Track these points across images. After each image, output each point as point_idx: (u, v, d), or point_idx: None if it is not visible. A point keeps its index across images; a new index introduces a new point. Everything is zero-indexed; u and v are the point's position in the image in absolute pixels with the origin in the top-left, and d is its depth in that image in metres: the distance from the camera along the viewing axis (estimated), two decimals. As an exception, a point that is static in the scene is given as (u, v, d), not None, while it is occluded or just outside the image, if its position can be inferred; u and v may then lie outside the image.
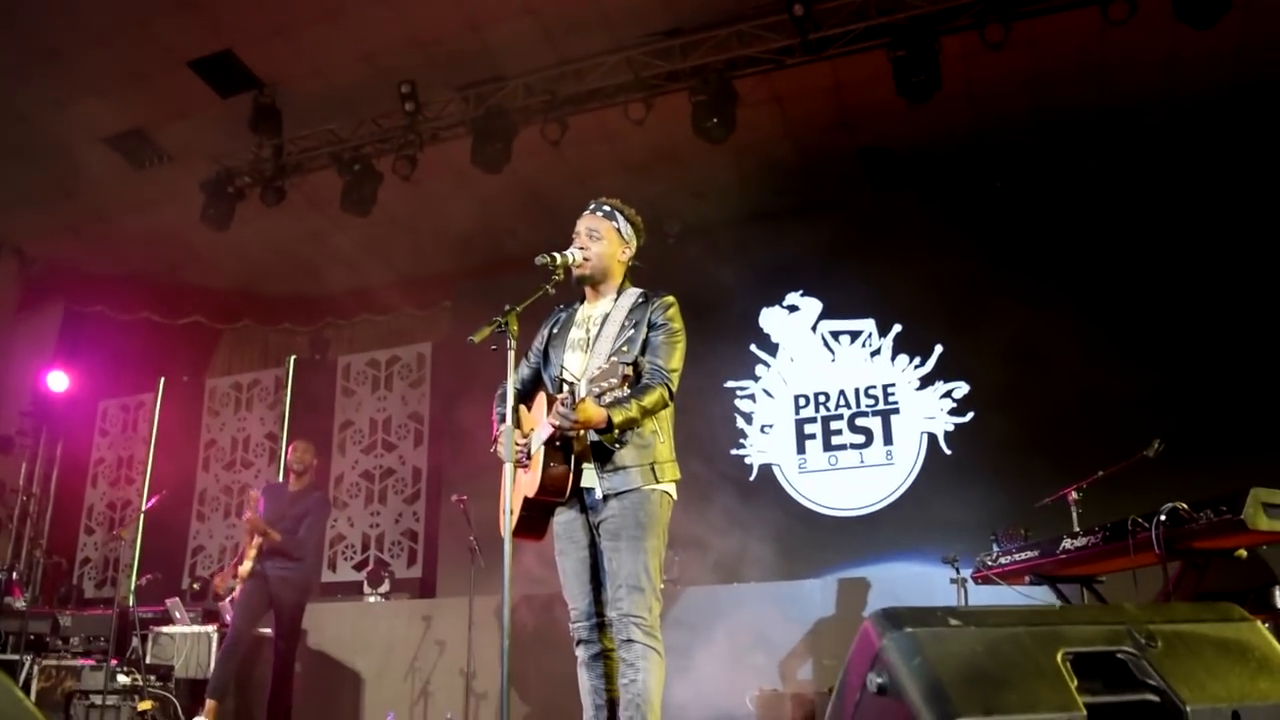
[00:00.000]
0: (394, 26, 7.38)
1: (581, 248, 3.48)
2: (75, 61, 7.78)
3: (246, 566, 6.41)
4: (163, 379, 11.06)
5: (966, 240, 7.85)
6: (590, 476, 3.31)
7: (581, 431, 3.22)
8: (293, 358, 10.87)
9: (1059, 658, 1.76)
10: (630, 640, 3.13)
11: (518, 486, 3.31)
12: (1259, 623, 2.08)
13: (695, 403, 7.11)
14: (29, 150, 8.78)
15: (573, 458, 3.27)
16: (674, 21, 7.34)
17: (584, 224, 3.55)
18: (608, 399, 3.05)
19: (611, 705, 3.29)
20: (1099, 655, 1.84)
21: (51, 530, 10.46)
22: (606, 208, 3.56)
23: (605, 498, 3.28)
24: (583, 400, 3.01)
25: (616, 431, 3.18)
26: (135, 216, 9.79)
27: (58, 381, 10.48)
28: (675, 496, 3.40)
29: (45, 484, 10.67)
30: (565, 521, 3.43)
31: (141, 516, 7.55)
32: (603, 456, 3.28)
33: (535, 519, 3.41)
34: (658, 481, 3.29)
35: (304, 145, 8.59)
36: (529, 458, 3.32)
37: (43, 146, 8.75)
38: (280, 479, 7.35)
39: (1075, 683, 1.74)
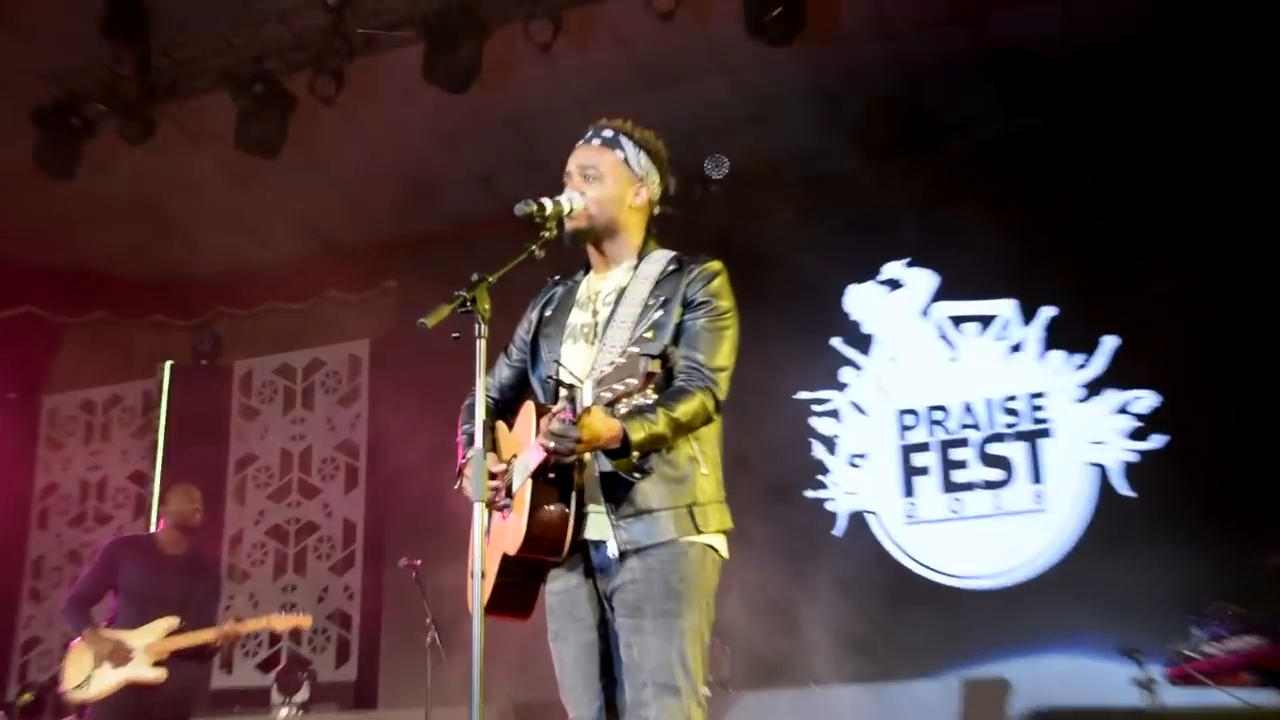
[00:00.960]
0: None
1: (579, 192, 3.45)
2: None
3: (148, 673, 6.49)
4: (-25, 397, 11.26)
5: (1149, 180, 7.96)
6: (600, 524, 3.29)
7: (587, 456, 3.19)
8: (168, 363, 11.05)
9: None
10: None
11: (494, 539, 3.30)
12: None
13: (751, 423, 7.16)
14: None
15: (574, 496, 3.23)
16: None
17: (576, 160, 3.54)
18: (624, 408, 3.02)
19: None
20: None
21: None
22: (607, 133, 3.56)
23: (622, 555, 3.24)
24: (587, 410, 2.96)
25: (636, 455, 3.14)
26: (-68, 165, 9.90)
27: None
28: (725, 554, 3.38)
29: None
30: (563, 590, 3.41)
31: None
32: (618, 495, 3.26)
33: (519, 587, 3.39)
34: (699, 531, 3.24)
35: (182, 57, 8.81)
36: (510, 497, 3.29)
37: None
38: (148, 533, 7.48)
39: None
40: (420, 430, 8.90)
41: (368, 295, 10.88)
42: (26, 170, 9.05)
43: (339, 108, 8.58)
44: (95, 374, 11.62)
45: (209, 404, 10.87)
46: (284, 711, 8.09)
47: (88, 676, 6.57)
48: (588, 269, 3.66)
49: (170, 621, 6.57)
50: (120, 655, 6.51)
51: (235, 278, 11.20)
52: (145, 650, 6.52)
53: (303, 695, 8.19)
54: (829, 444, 8.66)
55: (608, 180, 3.49)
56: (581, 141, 3.60)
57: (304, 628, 6.90)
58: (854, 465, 8.57)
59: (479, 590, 2.96)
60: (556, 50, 7.99)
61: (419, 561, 7.01)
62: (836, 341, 8.75)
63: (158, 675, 6.50)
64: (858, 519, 8.47)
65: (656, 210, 3.64)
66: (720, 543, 3.34)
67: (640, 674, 3.16)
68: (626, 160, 3.54)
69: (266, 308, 11.21)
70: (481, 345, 3.08)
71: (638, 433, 3.06)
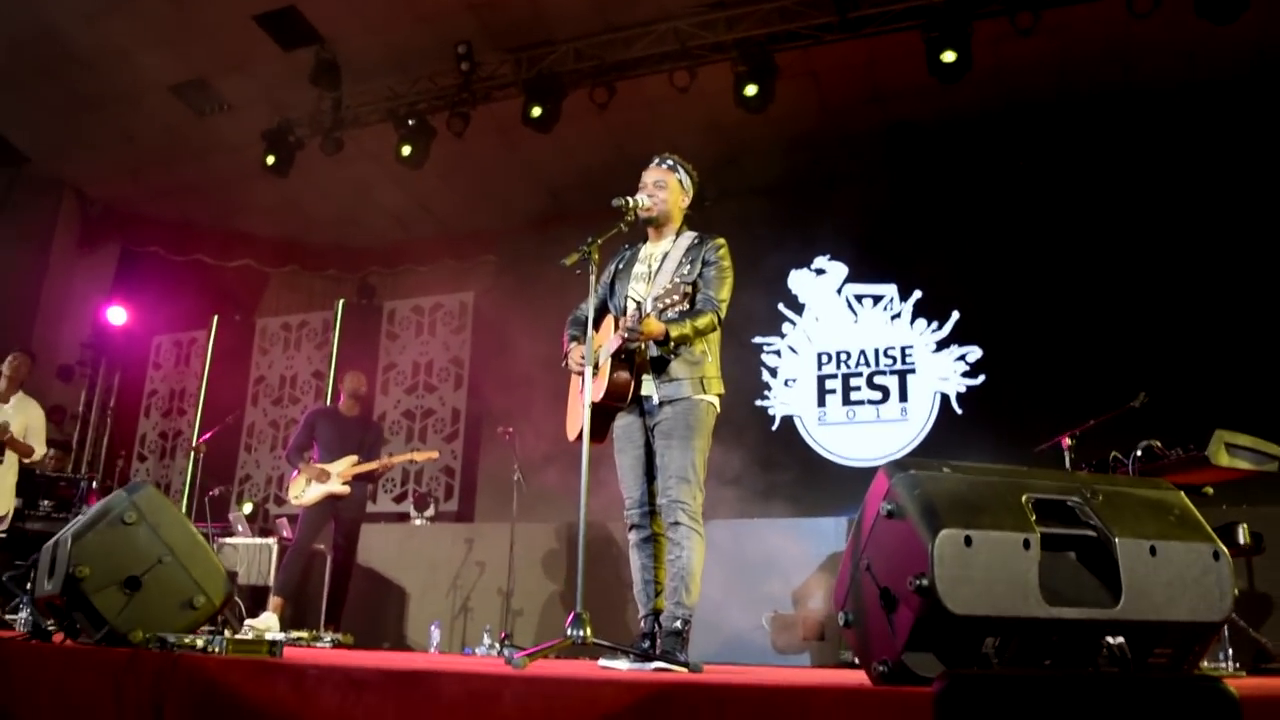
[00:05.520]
0: (451, -11, 8.04)
1: (650, 195, 4.04)
2: (143, 12, 8.51)
3: (340, 488, 7.22)
4: (216, 317, 11.97)
5: (987, 213, 8.61)
6: (649, 385, 3.90)
7: (643, 345, 3.80)
8: (341, 301, 11.66)
9: (1023, 499, 2.40)
10: (677, 523, 3.77)
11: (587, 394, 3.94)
12: (1182, 493, 2.67)
13: (723, 356, 7.70)
14: (95, 97, 9.58)
15: (635, 368, 3.87)
16: (720, -6, 7.98)
17: (651, 175, 4.10)
18: (669, 314, 3.69)
19: (658, 580, 3.94)
20: (1053, 501, 2.48)
21: (107, 456, 11.17)
22: (670, 161, 4.13)
23: (660, 404, 3.87)
24: (647, 316, 3.65)
25: (672, 344, 3.78)
26: (193, 163, 10.44)
27: (117, 315, 11.24)
28: (719, 408, 4.00)
29: (103, 413, 11.41)
30: (625, 425, 4.03)
31: (197, 450, 8.17)
32: (659, 368, 3.88)
33: (597, 424, 3.88)
34: (705, 392, 3.88)
35: (361, 100, 9.28)
36: (597, 367, 3.93)
37: (108, 94, 9.55)
38: (330, 404, 8.10)
39: (1034, 517, 2.25)
40: (504, 351, 9.48)
41: (473, 264, 11.33)
42: (249, 171, 9.63)
43: (464, 139, 8.97)
44: (291, 306, 12.18)
45: (366, 329, 11.44)
46: (419, 521, 8.64)
47: (303, 490, 7.22)
48: (644, 240, 4.21)
49: (351, 457, 7.27)
50: (322, 477, 7.22)
51: (386, 247, 11.72)
52: (337, 475, 7.23)
53: (430, 512, 8.76)
54: (773, 371, 9.13)
55: (669, 190, 4.09)
56: (653, 164, 4.16)
57: (434, 458, 7.51)
58: (787, 386, 9.05)
59: (587, 413, 3.63)
60: (609, 108, 8.44)
61: (511, 430, 7.54)
62: (781, 306, 9.23)
63: (345, 490, 7.21)
64: (788, 420, 8.99)
65: (687, 209, 4.25)
66: (716, 400, 3.99)
67: (668, 471, 3.86)
68: (681, 180, 4.17)
69: (406, 268, 11.75)
70: (592, 279, 3.72)
71: (674, 331, 3.77)
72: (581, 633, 3.28)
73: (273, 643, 2.86)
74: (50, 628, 3.50)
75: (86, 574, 3.12)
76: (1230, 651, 4.96)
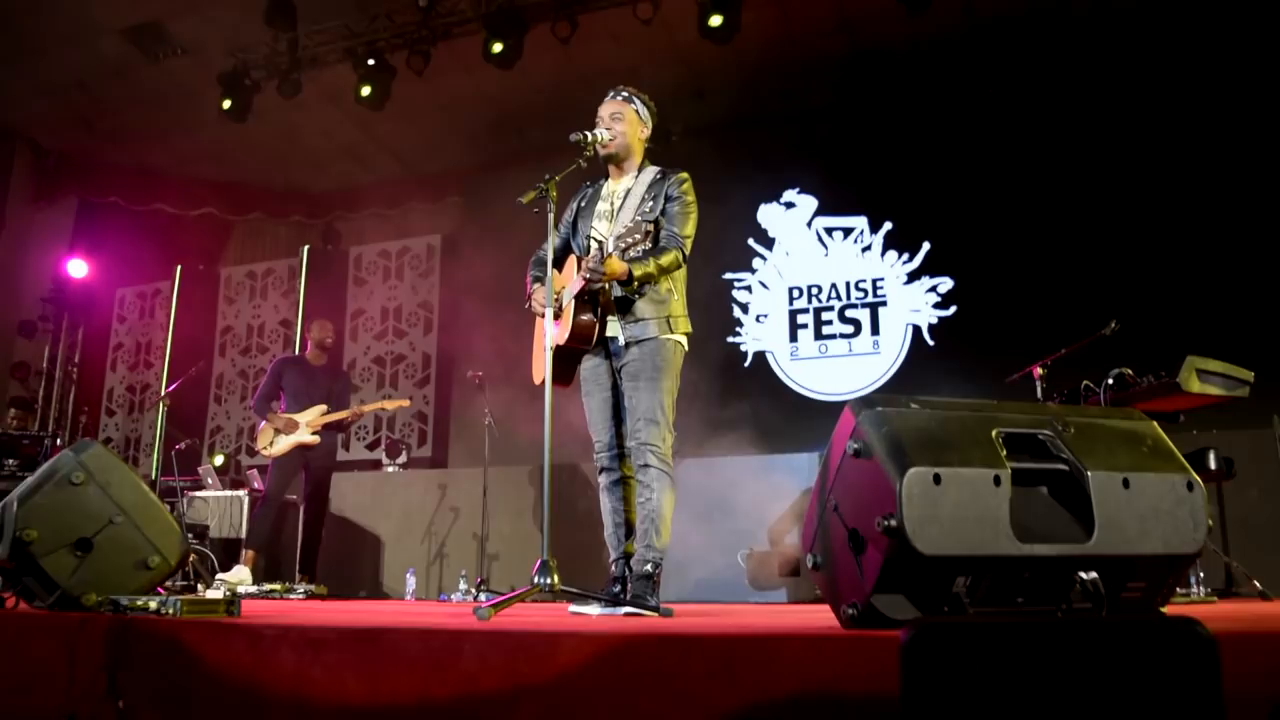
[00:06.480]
0: (407, -79, 7.78)
1: (608, 128, 3.91)
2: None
3: (309, 438, 7.10)
4: (179, 267, 11.73)
5: (957, 142, 8.53)
6: (614, 327, 3.82)
7: (607, 285, 3.70)
8: (306, 247, 11.49)
9: (993, 434, 2.33)
10: (646, 465, 3.70)
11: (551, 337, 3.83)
12: (1154, 423, 2.61)
13: (694, 293, 7.61)
14: (44, 43, 9.26)
15: (599, 309, 3.77)
16: (683, -79, 7.77)
17: (606, 109, 3.98)
18: (631, 254, 3.59)
19: (628, 523, 3.89)
20: (1024, 435, 2.42)
21: (73, 412, 11.00)
22: (625, 93, 4.01)
23: (627, 345, 3.79)
24: (610, 255, 3.54)
25: (636, 284, 3.69)
26: (149, 109, 10.15)
27: (77, 269, 11.03)
28: (687, 347, 3.91)
29: (67, 367, 11.21)
30: (591, 367, 3.95)
31: (164, 401, 7.98)
32: (625, 309, 3.79)
33: (562, 367, 3.82)
34: (672, 332, 3.80)
35: (318, 39, 9.06)
36: (560, 308, 3.82)
37: (58, 39, 9.21)
38: (298, 353, 7.96)
39: (1004, 452, 2.18)
40: (472, 294, 9.36)
41: (439, 206, 11.17)
42: (208, 116, 9.35)
43: (425, 77, 8.78)
44: (255, 254, 11.98)
45: (332, 275, 11.30)
46: (391, 468, 8.58)
47: (271, 441, 7.13)
48: (606, 177, 4.08)
49: (320, 407, 7.17)
50: (291, 427, 7.11)
51: (350, 192, 11.53)
52: (306, 425, 7.12)
53: (403, 458, 8.70)
54: (744, 307, 9.11)
55: (627, 123, 3.96)
56: (609, 97, 4.02)
57: (406, 406, 7.43)
58: (759, 321, 9.04)
59: (549, 357, 3.51)
60: (572, 42, 8.22)
61: (481, 374, 7.46)
62: (751, 241, 9.17)
63: (314, 439, 7.11)
64: (760, 356, 8.99)
65: (648, 143, 4.11)
66: (684, 339, 3.89)
67: (637, 413, 3.78)
68: (638, 112, 4.04)
69: (371, 212, 11.54)
70: (550, 218, 3.57)
71: (638, 270, 3.66)
72: (549, 580, 3.21)
73: (230, 602, 2.78)
74: (3, 592, 3.40)
75: (34, 537, 3.01)
76: (1202, 575, 5.00)
